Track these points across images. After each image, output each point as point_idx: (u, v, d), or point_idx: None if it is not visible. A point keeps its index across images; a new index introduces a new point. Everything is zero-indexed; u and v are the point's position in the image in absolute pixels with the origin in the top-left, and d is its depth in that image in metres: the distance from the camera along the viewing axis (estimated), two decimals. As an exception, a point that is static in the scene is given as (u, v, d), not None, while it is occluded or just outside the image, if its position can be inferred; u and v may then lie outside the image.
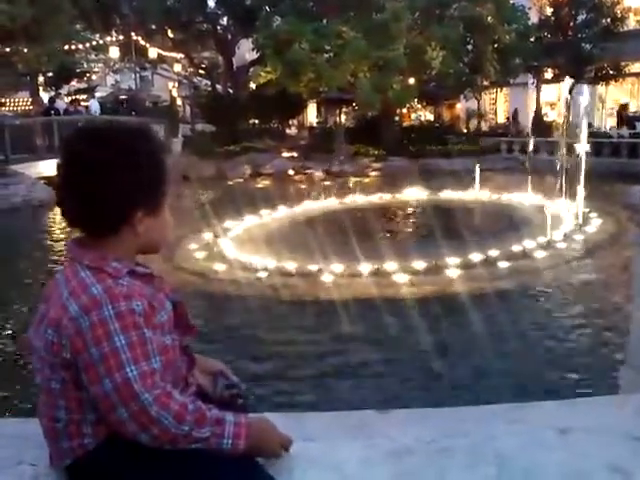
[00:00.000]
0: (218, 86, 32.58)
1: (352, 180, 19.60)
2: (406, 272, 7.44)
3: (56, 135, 18.49)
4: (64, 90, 31.51)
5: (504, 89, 30.99)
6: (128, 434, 1.33)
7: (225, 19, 30.35)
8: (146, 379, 1.31)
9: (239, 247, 9.16)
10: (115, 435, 1.36)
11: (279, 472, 1.50)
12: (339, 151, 22.75)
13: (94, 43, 29.02)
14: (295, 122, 34.64)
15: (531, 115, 27.06)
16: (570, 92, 14.48)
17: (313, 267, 7.67)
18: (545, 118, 27.46)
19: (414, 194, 14.04)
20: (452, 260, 7.69)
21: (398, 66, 20.83)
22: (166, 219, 1.52)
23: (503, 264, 7.79)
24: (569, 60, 23.80)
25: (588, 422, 1.76)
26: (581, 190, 10.41)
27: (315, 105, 34.23)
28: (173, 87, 40.87)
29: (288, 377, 4.85)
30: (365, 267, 7.58)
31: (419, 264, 7.63)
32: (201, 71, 34.16)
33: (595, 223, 10.11)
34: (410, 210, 13.28)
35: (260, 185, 19.97)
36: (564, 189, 10.97)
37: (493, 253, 8.01)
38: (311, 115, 37.84)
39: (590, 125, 17.07)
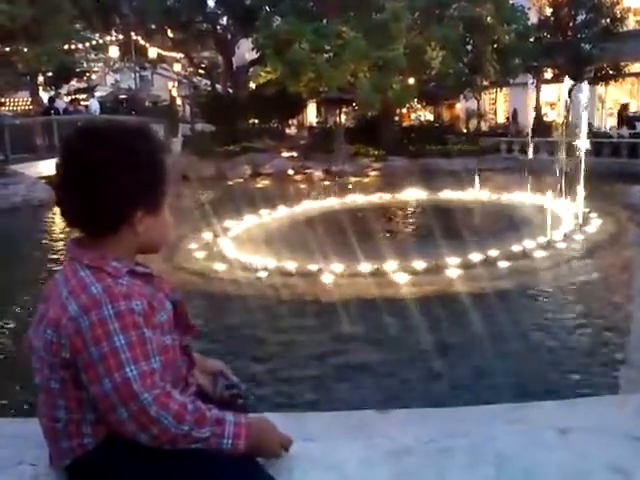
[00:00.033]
0: (218, 86, 32.59)
1: (352, 180, 19.60)
2: (406, 272, 7.45)
3: (56, 135, 18.50)
4: (64, 90, 31.50)
5: (504, 89, 30.98)
6: (128, 434, 1.33)
7: (225, 19, 30.36)
8: (145, 379, 1.31)
9: (239, 247, 9.16)
10: (115, 435, 1.35)
11: (279, 472, 1.50)
12: (339, 151, 22.74)
13: (94, 43, 29.03)
14: (295, 122, 34.62)
15: (531, 115, 27.05)
16: (570, 94, 14.49)
17: (313, 267, 7.67)
18: (545, 118, 27.45)
19: (414, 194, 14.03)
20: (452, 260, 7.69)
21: (398, 66, 20.84)
22: (166, 219, 1.52)
23: (503, 264, 7.79)
24: (569, 60, 23.79)
25: (588, 422, 1.75)
26: (581, 190, 10.41)
27: (315, 105, 34.22)
28: (173, 87, 40.87)
29: (288, 377, 4.84)
30: (365, 267, 7.58)
31: (419, 264, 7.63)
32: (201, 71, 34.16)
33: (595, 223, 10.10)
34: (410, 210, 13.27)
35: (260, 185, 19.97)
36: (564, 189, 10.98)
37: (493, 253, 8.01)
38: (311, 115, 37.84)
39: (590, 125, 17.09)
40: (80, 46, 27.42)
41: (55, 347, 1.35)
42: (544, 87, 27.59)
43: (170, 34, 30.48)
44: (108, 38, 28.97)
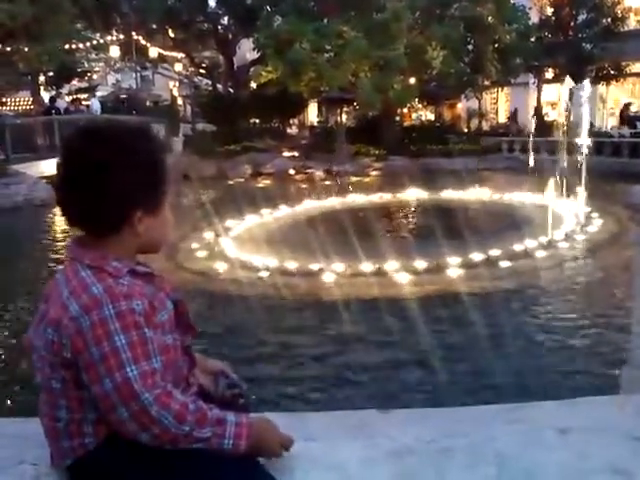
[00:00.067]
0: (219, 85, 32.63)
1: (353, 179, 19.60)
2: (407, 272, 7.44)
3: (57, 134, 18.52)
4: (65, 89, 31.48)
5: (505, 89, 30.98)
6: (128, 434, 1.33)
7: (226, 19, 30.39)
8: (146, 379, 1.31)
9: (240, 246, 9.15)
10: (116, 435, 1.36)
11: (280, 472, 1.50)
12: (340, 151, 22.75)
13: (95, 42, 28.99)
14: (296, 122, 34.60)
15: (532, 114, 27.04)
16: (570, 95, 14.48)
17: (314, 266, 7.67)
18: (546, 118, 27.43)
19: (415, 194, 14.02)
20: (453, 260, 7.68)
21: (399, 66, 20.84)
22: (167, 218, 1.52)
23: (504, 264, 7.78)
24: (570, 60, 23.78)
25: (588, 422, 1.75)
26: (582, 190, 10.40)
27: (316, 105, 34.20)
28: (174, 86, 40.88)
29: (289, 377, 4.84)
30: (366, 267, 7.57)
31: (420, 264, 7.63)
32: (202, 70, 34.19)
33: (596, 223, 10.09)
34: (411, 210, 13.27)
35: (261, 185, 19.96)
36: (565, 189, 10.96)
37: (494, 253, 8.01)
38: (312, 115, 37.82)
39: (591, 125, 17.06)
40: (81, 46, 27.39)
41: (56, 347, 1.35)
42: (545, 87, 27.58)
43: (171, 34, 30.51)
44: (109, 38, 28.97)
